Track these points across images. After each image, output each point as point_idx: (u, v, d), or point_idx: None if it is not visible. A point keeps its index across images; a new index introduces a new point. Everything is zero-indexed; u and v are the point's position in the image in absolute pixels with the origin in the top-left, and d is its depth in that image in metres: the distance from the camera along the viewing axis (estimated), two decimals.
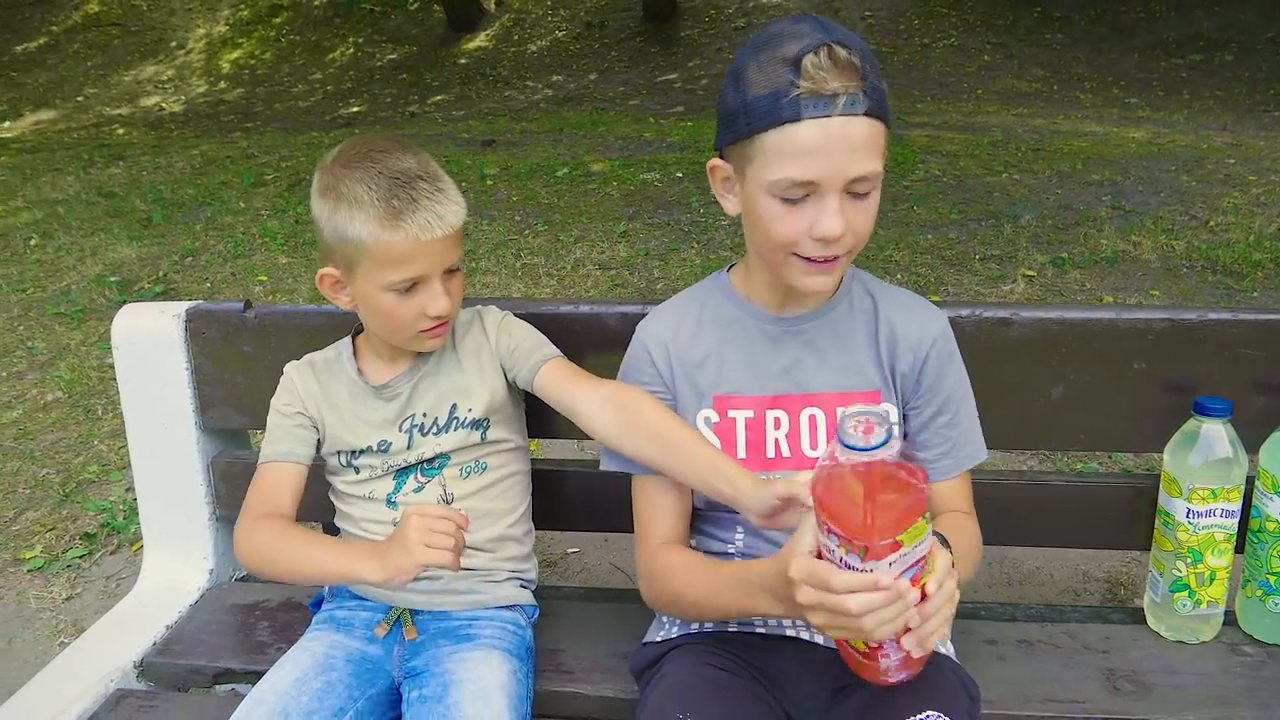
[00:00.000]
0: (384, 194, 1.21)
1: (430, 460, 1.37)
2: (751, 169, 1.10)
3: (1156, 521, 1.43)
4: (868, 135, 1.05)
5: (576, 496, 1.61)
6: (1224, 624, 1.44)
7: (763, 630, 1.23)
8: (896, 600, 0.91)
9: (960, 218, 4.67)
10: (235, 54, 12.59)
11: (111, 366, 3.79)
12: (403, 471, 1.37)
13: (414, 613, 1.37)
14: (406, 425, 1.36)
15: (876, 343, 1.23)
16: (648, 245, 4.52)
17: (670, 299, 1.33)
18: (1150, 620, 1.46)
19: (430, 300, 1.26)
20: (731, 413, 1.23)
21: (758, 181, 1.09)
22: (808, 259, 1.10)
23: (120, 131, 10.01)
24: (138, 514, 2.74)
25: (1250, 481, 1.40)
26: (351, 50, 12.28)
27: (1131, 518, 1.48)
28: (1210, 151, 5.82)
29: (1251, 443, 1.37)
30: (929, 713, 1.03)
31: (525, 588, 1.44)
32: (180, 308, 1.65)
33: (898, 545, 0.91)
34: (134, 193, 6.03)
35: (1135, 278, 3.91)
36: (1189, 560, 1.38)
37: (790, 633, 1.22)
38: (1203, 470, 1.35)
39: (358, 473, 1.39)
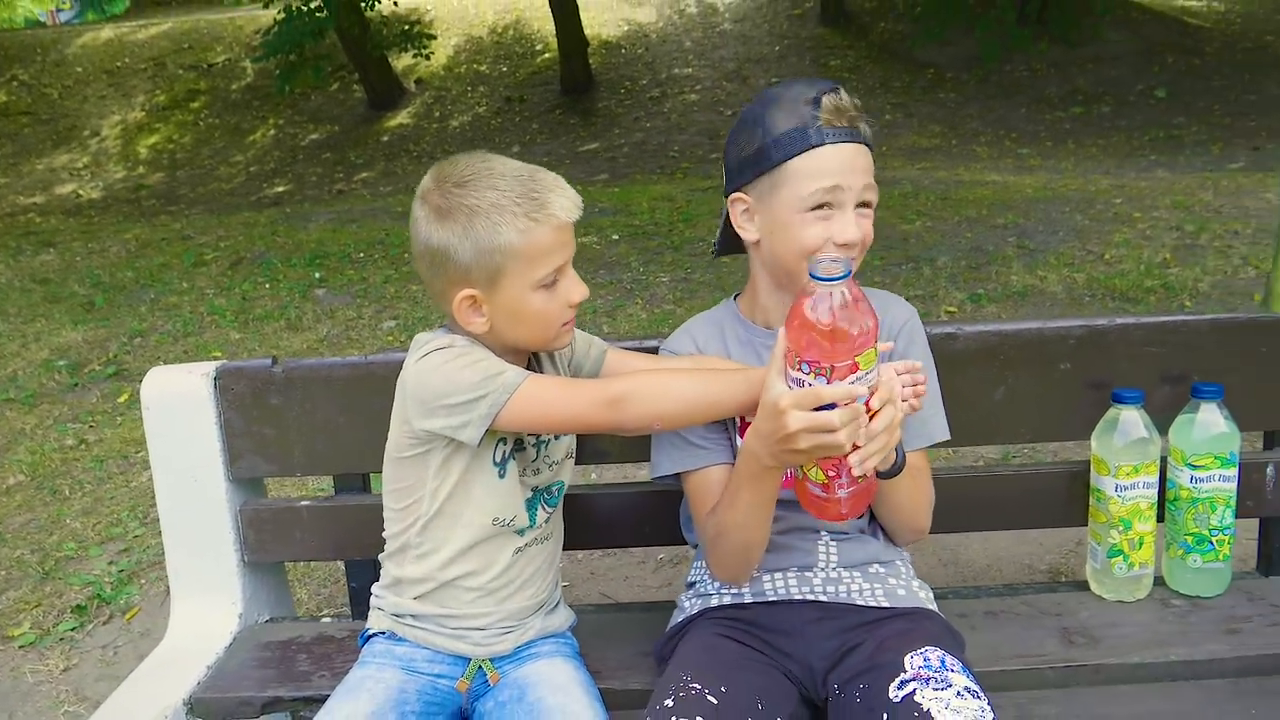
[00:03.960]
0: (521, 193, 1.25)
1: (549, 489, 1.44)
2: (780, 193, 1.32)
3: (1090, 499, 1.67)
4: (869, 162, 1.33)
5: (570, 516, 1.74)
6: (1154, 584, 1.67)
7: (774, 598, 1.41)
8: (860, 414, 1.10)
9: (883, 263, 5.02)
10: (153, 139, 12.57)
11: (73, 447, 3.81)
12: (531, 503, 1.41)
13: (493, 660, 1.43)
14: (534, 439, 1.42)
15: None
16: (594, 303, 4.74)
17: (690, 320, 1.54)
18: (1093, 585, 1.69)
19: (572, 287, 1.32)
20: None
21: (787, 202, 1.32)
22: None
23: (38, 220, 9.87)
24: (126, 585, 2.82)
25: (1164, 460, 1.66)
26: (273, 131, 12.38)
27: (1069, 498, 1.72)
28: (1098, 193, 6.34)
29: (1161, 425, 1.62)
30: (927, 648, 1.23)
31: (565, 603, 1.57)
32: (209, 367, 1.79)
33: (855, 367, 1.10)
34: (70, 278, 6.02)
35: (1045, 307, 4.28)
36: (1120, 529, 1.62)
37: (798, 595, 1.40)
38: (1124, 450, 1.59)
39: (503, 475, 1.37)
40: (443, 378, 1.28)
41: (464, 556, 1.40)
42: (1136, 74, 11.09)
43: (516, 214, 1.25)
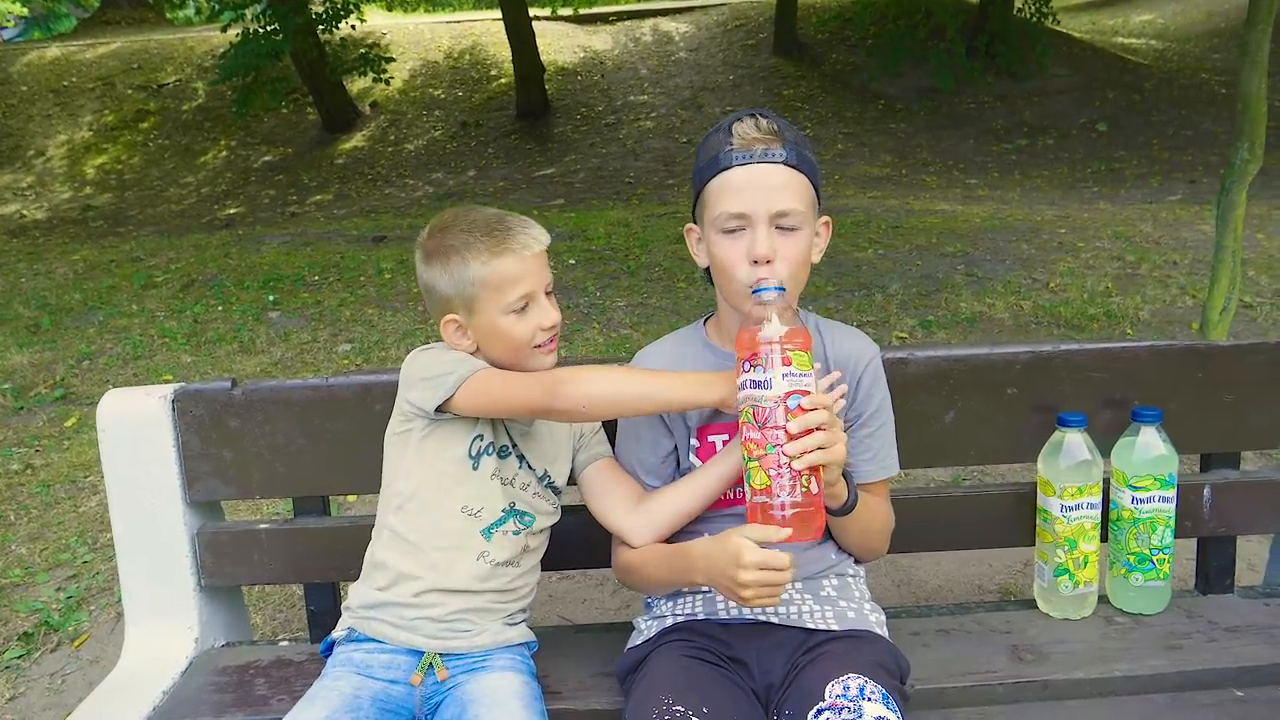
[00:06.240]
0: (485, 232, 1.46)
1: (523, 515, 1.53)
2: (706, 216, 1.40)
3: (1037, 519, 1.73)
4: (787, 180, 1.36)
5: None
6: (1099, 602, 1.73)
7: (726, 618, 1.45)
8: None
9: (836, 290, 5.11)
10: (100, 159, 12.37)
11: (19, 472, 3.73)
12: (506, 512, 1.50)
13: (442, 655, 1.48)
14: (517, 451, 1.53)
15: (827, 366, 1.48)
16: None
17: (662, 338, 1.59)
18: (1040, 604, 1.74)
19: (542, 314, 1.48)
20: (711, 438, 1.47)
21: (709, 224, 1.39)
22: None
23: None
24: (75, 611, 2.76)
25: (1106, 482, 1.72)
26: (225, 153, 12.25)
27: (1017, 519, 1.77)
28: (1043, 223, 6.53)
29: (1104, 448, 1.68)
30: (850, 675, 1.26)
31: (527, 625, 1.60)
32: (168, 390, 1.78)
33: (788, 360, 1.22)
34: (14, 300, 5.90)
35: (993, 334, 4.39)
36: (1066, 548, 1.67)
37: (750, 617, 1.44)
38: (1068, 471, 1.65)
39: (476, 468, 1.49)
40: (430, 358, 1.51)
41: (433, 548, 1.47)
42: (1079, 108, 11.45)
43: (481, 249, 1.46)
